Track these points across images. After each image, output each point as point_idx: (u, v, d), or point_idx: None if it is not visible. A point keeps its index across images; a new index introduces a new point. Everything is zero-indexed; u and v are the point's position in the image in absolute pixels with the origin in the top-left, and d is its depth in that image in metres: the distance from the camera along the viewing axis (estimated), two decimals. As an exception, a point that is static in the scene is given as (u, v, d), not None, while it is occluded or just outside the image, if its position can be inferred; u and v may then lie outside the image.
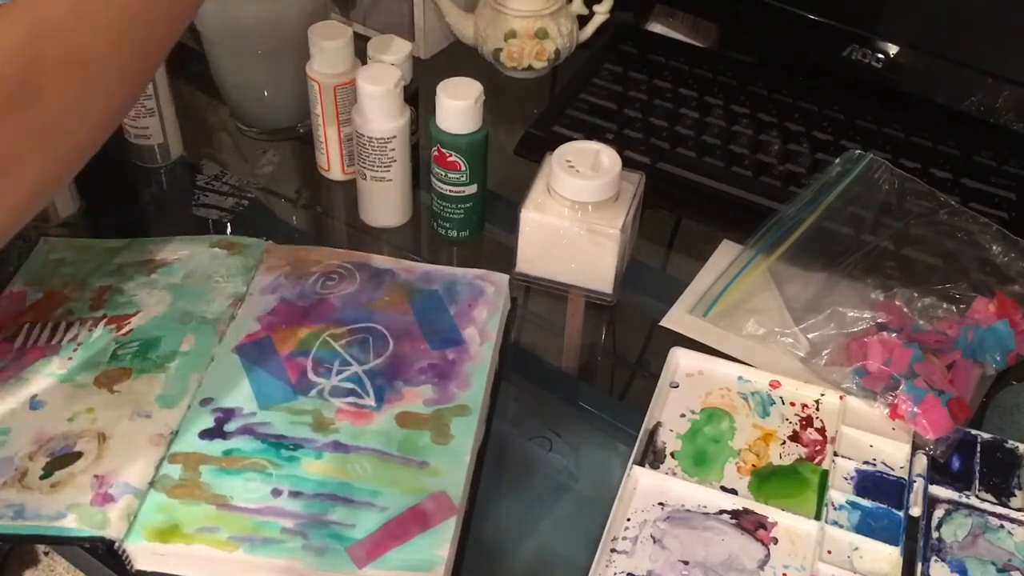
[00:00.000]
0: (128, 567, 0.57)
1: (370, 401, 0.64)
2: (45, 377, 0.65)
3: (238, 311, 0.69)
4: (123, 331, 0.68)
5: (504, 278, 0.72)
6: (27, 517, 0.57)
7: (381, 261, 0.74)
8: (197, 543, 0.56)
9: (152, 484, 0.59)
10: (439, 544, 0.56)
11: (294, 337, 0.68)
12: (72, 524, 0.57)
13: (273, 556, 0.56)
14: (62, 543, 0.58)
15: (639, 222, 0.77)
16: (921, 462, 0.63)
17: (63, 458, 0.60)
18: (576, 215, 0.70)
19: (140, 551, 0.57)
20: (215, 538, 0.57)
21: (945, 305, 0.70)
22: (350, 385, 0.65)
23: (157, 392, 0.64)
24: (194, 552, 0.56)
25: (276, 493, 0.59)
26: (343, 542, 0.57)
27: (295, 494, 0.59)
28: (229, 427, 0.62)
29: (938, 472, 0.63)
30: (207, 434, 0.62)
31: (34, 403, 0.63)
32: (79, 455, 0.60)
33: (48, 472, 0.59)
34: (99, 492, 0.58)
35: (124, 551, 0.57)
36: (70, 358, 0.66)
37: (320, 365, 0.66)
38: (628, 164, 0.81)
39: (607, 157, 0.71)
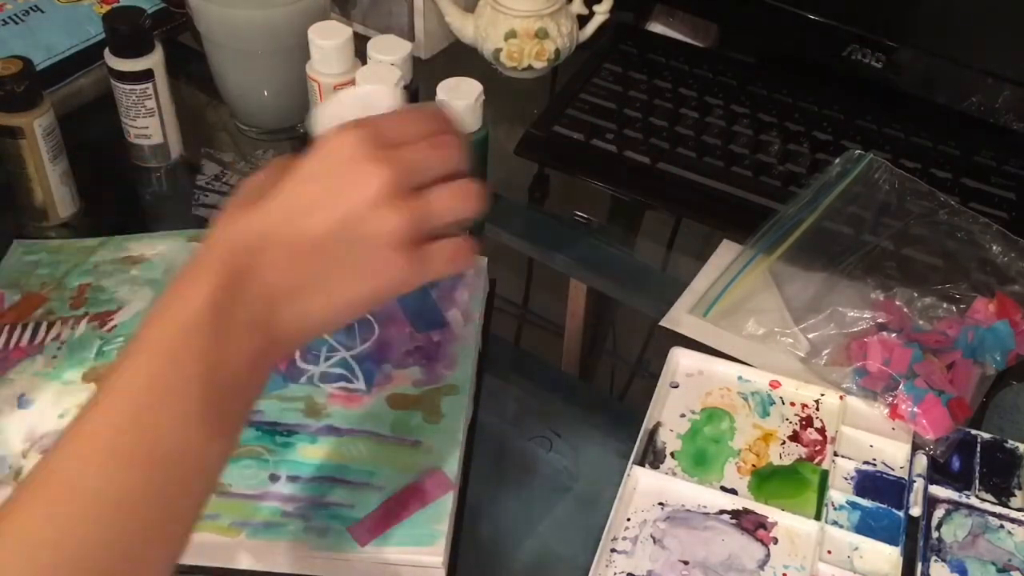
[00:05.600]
0: None
1: (360, 385, 0.65)
2: (31, 376, 0.65)
3: None
4: (107, 328, 0.68)
5: (482, 260, 0.73)
6: None
7: None
8: (199, 530, 0.56)
9: None
10: (438, 519, 0.58)
11: None
12: None
13: (276, 539, 0.57)
14: None
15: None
16: (921, 462, 0.63)
17: None
18: None
19: None
20: (217, 524, 0.57)
21: (945, 305, 0.70)
22: (339, 370, 0.66)
23: None
24: (196, 539, 0.56)
25: (274, 478, 0.59)
26: (344, 522, 0.57)
27: (293, 478, 0.59)
28: None
29: (938, 472, 0.63)
30: None
31: (22, 402, 0.63)
32: None
33: None
34: None
35: None
36: (55, 356, 0.66)
37: (308, 352, 0.66)
38: (628, 164, 0.81)
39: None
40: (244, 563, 0.57)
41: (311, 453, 0.61)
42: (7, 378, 0.65)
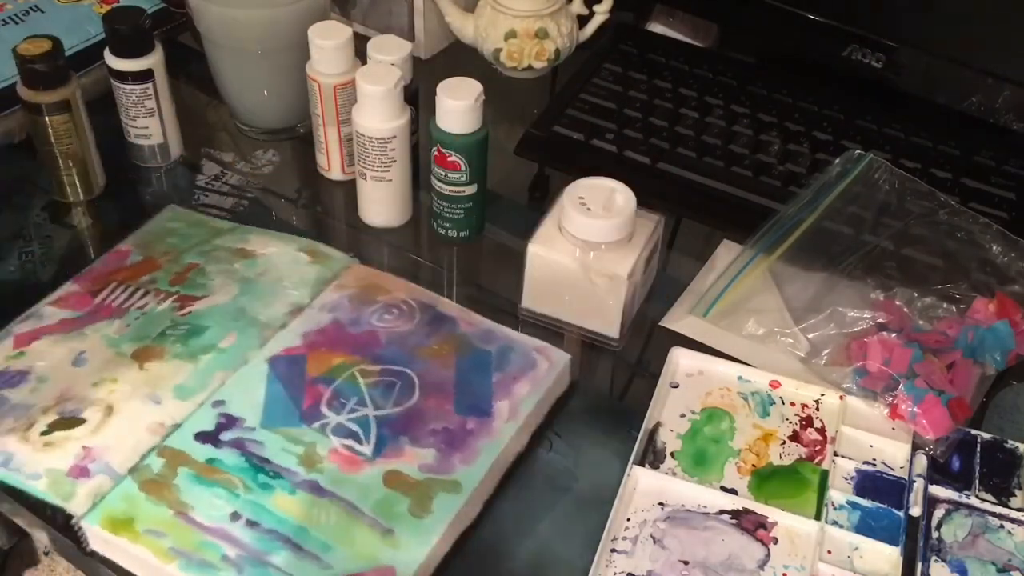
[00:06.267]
0: (83, 545, 0.58)
1: (366, 449, 0.61)
2: (100, 337, 0.66)
3: (291, 321, 0.68)
4: (183, 311, 0.68)
5: (564, 357, 0.67)
6: (9, 467, 0.59)
7: (447, 307, 0.70)
8: (140, 544, 0.56)
9: (131, 471, 0.59)
10: None
11: (327, 362, 0.66)
12: (41, 487, 0.58)
13: None
14: (25, 503, 0.58)
15: (657, 265, 0.75)
16: (921, 462, 0.63)
17: (70, 420, 0.61)
18: (586, 255, 0.68)
19: (93, 534, 0.58)
20: (158, 545, 0.56)
21: (945, 305, 0.70)
22: (355, 427, 0.62)
23: (178, 381, 0.64)
24: (134, 552, 0.56)
25: (235, 517, 0.58)
26: None
27: (252, 523, 0.57)
28: (225, 436, 0.62)
29: (938, 472, 0.63)
30: (202, 437, 0.61)
31: (79, 359, 0.65)
32: (82, 422, 0.61)
33: (49, 430, 0.60)
34: (79, 464, 0.59)
35: (80, 528, 0.57)
36: (128, 325, 0.67)
37: (336, 398, 0.64)
38: (628, 164, 0.81)
39: (622, 197, 0.69)
40: None
41: (282, 503, 0.58)
42: (83, 332, 0.66)
